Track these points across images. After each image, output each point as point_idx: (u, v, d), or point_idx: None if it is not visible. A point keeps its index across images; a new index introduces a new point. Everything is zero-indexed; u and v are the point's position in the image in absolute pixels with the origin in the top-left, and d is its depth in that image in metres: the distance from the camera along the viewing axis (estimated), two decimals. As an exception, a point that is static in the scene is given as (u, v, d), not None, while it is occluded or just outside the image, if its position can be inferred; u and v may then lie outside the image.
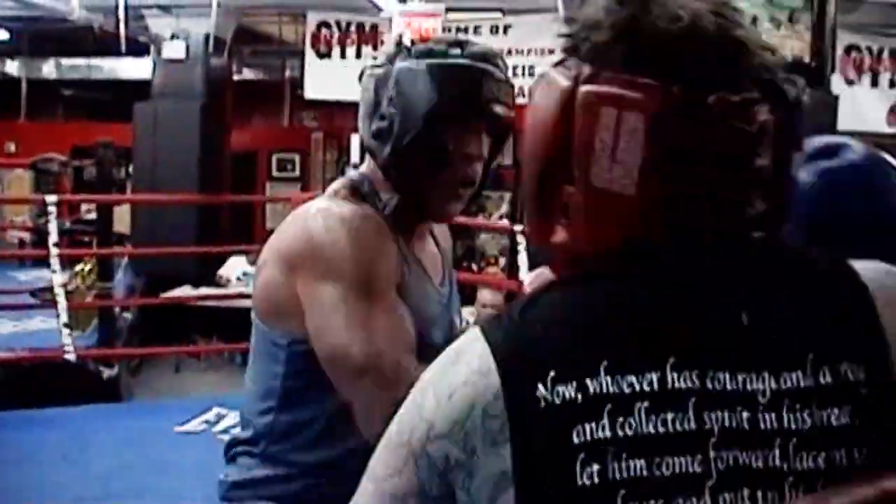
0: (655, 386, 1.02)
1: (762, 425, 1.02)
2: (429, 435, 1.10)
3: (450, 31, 10.69)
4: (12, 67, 15.89)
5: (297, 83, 12.73)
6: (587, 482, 0.99)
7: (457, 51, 2.03)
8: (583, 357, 1.05)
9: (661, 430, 1.01)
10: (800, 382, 1.04)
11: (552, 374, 1.04)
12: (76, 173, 12.60)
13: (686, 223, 1.13)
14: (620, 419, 1.01)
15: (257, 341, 2.09)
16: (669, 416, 1.01)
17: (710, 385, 1.03)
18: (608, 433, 1.01)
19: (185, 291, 10.35)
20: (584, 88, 1.16)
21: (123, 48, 11.25)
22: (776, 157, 1.16)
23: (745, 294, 1.10)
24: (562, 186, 1.16)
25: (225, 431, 6.56)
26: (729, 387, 1.03)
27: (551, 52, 10.71)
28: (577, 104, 1.15)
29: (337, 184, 2.12)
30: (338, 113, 15.00)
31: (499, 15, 10.87)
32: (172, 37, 11.18)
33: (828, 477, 1.00)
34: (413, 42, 2.08)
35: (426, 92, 1.93)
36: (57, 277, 7.22)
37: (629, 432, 1.01)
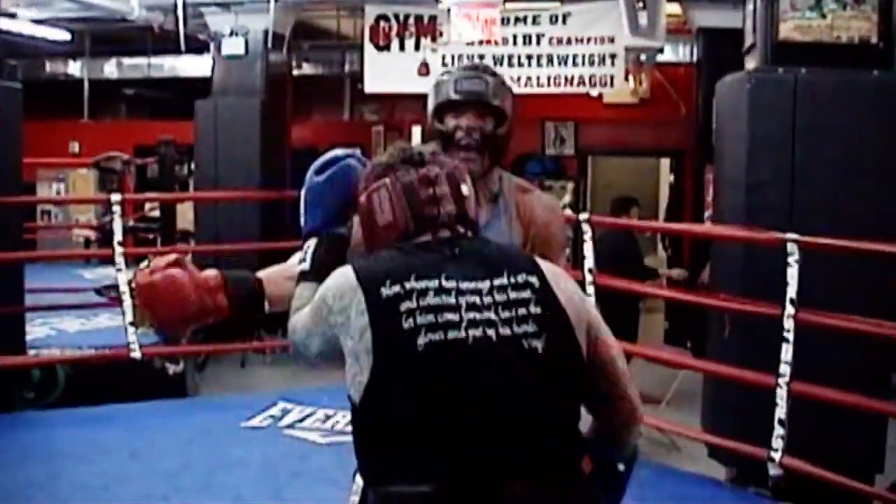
0: (436, 285, 2.14)
1: (485, 300, 2.15)
2: (330, 310, 2.21)
3: (508, 21, 10.65)
4: (74, 68, 16.01)
5: (357, 77, 12.73)
6: (405, 326, 2.08)
7: (457, 70, 3.05)
8: (401, 274, 2.14)
9: (440, 302, 2.12)
10: (502, 281, 2.19)
11: (387, 281, 2.13)
12: (139, 172, 12.68)
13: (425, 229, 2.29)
14: (421, 299, 2.11)
15: None
16: (443, 297, 2.13)
17: (461, 285, 2.15)
18: (415, 304, 2.10)
19: (248, 287, 10.35)
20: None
21: (183, 46, 11.31)
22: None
23: (469, 244, 2.29)
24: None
25: (291, 426, 6.58)
26: (470, 285, 2.16)
27: (611, 40, 10.64)
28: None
29: None
30: (398, 105, 14.99)
31: (557, 4, 10.80)
32: (231, 33, 11.21)
33: (517, 322, 2.15)
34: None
35: (433, 98, 2.98)
36: (122, 275, 7.26)
37: (425, 304, 2.11)
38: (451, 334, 2.09)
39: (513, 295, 2.18)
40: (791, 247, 5.09)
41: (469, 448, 2.06)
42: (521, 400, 2.10)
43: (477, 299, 2.15)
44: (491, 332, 2.12)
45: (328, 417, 6.72)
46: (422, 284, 2.12)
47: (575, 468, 2.19)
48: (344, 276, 2.21)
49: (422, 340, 2.07)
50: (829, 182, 5.67)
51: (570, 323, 2.20)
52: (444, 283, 2.14)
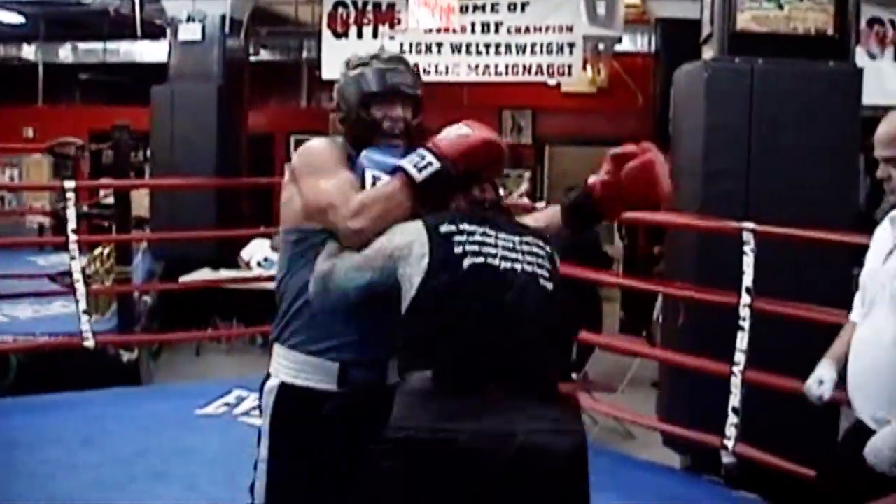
0: (482, 230, 2.69)
1: (515, 247, 2.70)
2: (395, 245, 2.70)
3: (467, 9, 10.64)
4: (29, 52, 15.81)
5: (315, 64, 12.67)
6: (456, 251, 2.62)
7: (375, 61, 3.08)
8: (455, 220, 2.70)
9: (483, 240, 2.66)
10: (526, 239, 2.76)
11: (445, 223, 2.68)
12: (94, 158, 12.56)
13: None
14: (470, 237, 2.66)
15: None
16: (486, 238, 2.68)
17: (498, 234, 2.70)
18: (465, 239, 2.65)
19: (204, 275, 10.33)
20: None
21: (139, 31, 11.22)
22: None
23: (501, 216, 2.85)
24: None
25: (246, 413, 6.53)
26: (504, 236, 2.71)
27: (570, 29, 10.65)
28: None
29: None
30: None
31: (516, -8, 10.81)
32: (188, 19, 11.15)
33: (537, 266, 2.71)
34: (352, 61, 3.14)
35: (356, 88, 3.04)
36: (76, 263, 7.19)
37: (472, 240, 2.65)
38: (489, 261, 2.64)
39: (534, 250, 2.75)
40: (747, 235, 5.11)
41: (478, 348, 2.58)
42: (531, 318, 2.64)
43: (510, 245, 2.70)
44: (518, 266, 2.67)
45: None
46: (471, 227, 2.68)
47: (555, 386, 2.61)
48: (409, 223, 2.75)
49: (467, 262, 2.62)
50: (786, 172, 5.70)
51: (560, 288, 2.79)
52: (487, 230, 2.70)
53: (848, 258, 5.46)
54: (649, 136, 12.10)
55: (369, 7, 11.18)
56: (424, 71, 10.91)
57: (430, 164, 2.80)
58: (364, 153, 2.92)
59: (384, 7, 11.13)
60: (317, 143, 3.01)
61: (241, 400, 6.82)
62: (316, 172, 2.90)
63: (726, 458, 5.33)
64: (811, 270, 5.55)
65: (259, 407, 3.05)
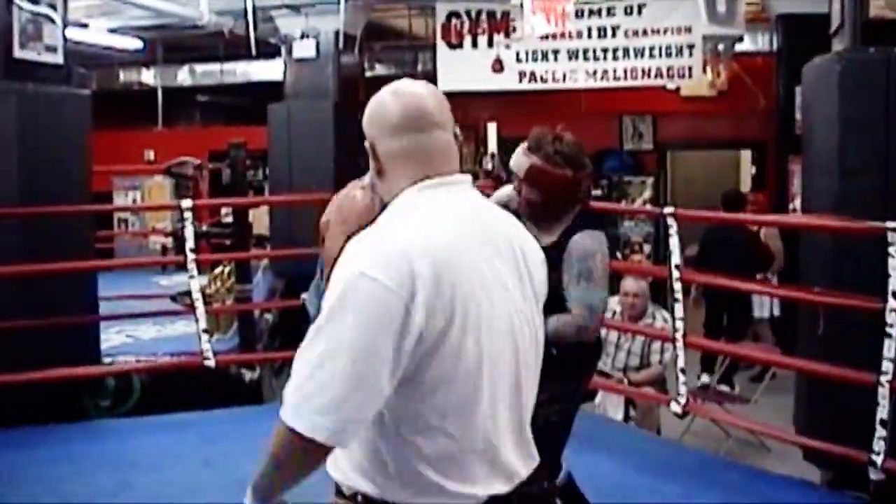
0: None
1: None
2: None
3: (582, 13, 10.46)
4: (148, 76, 16.03)
5: (431, 76, 12.55)
6: None
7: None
8: None
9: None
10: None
11: None
12: (213, 177, 12.62)
13: None
14: None
15: None
16: None
17: None
18: None
19: (325, 291, 10.26)
20: None
21: (254, 50, 11.23)
22: None
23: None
24: None
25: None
26: None
27: (688, 30, 10.39)
28: None
29: None
30: (472, 104, 14.77)
31: (632, -5, 10.60)
32: (302, 36, 11.15)
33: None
34: None
35: None
36: (194, 282, 7.15)
37: None
38: None
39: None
40: (892, 236, 4.81)
41: None
42: None
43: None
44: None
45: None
46: None
47: None
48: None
49: None
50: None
51: None
52: None
53: None
54: (772, 137, 11.85)
55: (483, 16, 11.03)
56: (541, 79, 10.76)
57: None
58: None
59: (498, 15, 10.98)
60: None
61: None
62: None
63: (874, 475, 5.02)
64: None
65: None
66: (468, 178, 2.39)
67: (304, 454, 2.11)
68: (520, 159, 4.12)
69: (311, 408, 2.05)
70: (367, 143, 2.35)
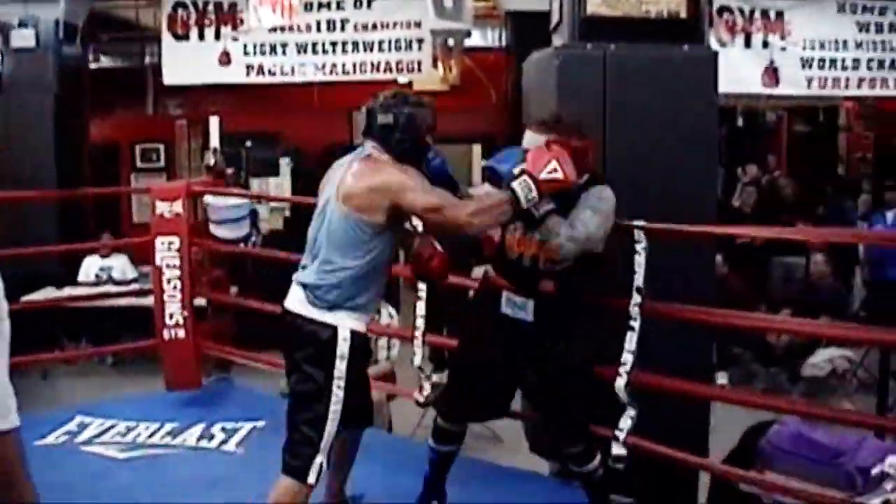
0: None
1: None
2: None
3: (311, 6, 10.37)
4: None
5: (158, 69, 12.25)
6: None
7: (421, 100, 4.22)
8: None
9: None
10: None
11: None
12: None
13: None
14: None
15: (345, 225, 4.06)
16: None
17: None
18: None
19: (48, 293, 9.90)
20: None
21: (-31, 39, 10.70)
22: None
23: None
24: None
25: (88, 442, 6.10)
26: None
27: (417, 24, 10.45)
28: None
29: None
30: (203, 98, 14.47)
31: (362, -13, 10.58)
32: (20, 24, 10.64)
33: None
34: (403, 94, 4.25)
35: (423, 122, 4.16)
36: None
37: None
38: None
39: None
40: (638, 234, 4.89)
41: None
42: None
43: None
44: None
45: (129, 430, 6.22)
46: None
47: None
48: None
49: None
50: (643, 160, 5.49)
51: None
52: None
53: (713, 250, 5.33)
54: (504, 132, 12.04)
55: (210, 7, 10.80)
56: (269, 72, 10.62)
57: (533, 198, 4.02)
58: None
59: (226, 7, 10.77)
60: (401, 170, 4.04)
61: (83, 427, 6.34)
62: (419, 187, 3.99)
63: (616, 449, 5.11)
64: (680, 265, 5.34)
65: (315, 354, 4.07)
66: None
67: None
68: (534, 138, 4.43)
69: None
70: None
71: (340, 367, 4.05)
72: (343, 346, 4.06)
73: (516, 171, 4.07)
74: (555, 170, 4.03)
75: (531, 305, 4.49)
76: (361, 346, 4.19)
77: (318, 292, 4.08)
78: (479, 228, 4.07)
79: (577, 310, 4.47)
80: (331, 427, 4.06)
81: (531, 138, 4.44)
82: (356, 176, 4.07)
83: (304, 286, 4.13)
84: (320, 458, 4.07)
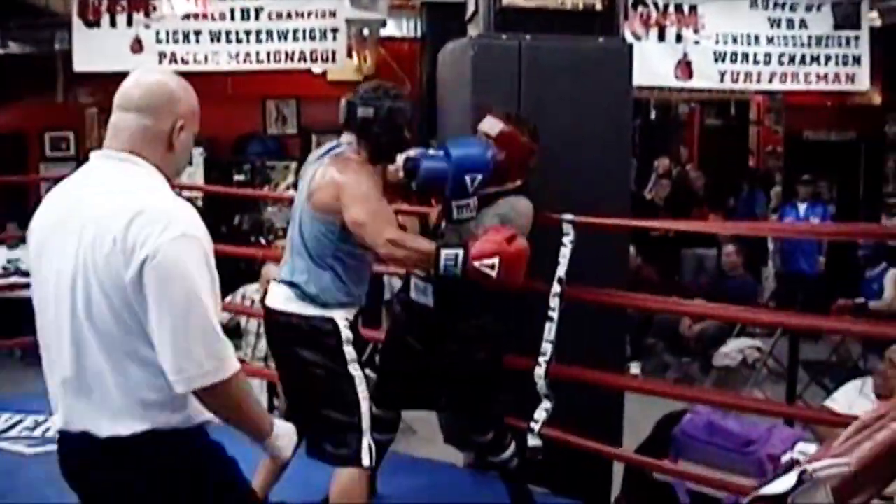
0: None
1: None
2: None
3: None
4: None
5: (68, 55, 12.03)
6: None
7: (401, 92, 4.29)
8: None
9: None
10: None
11: None
12: None
13: None
14: None
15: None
16: None
17: None
18: None
19: (-47, 284, 9.75)
20: None
21: None
22: None
23: None
24: None
25: (-2, 438, 6.00)
26: None
27: (332, 14, 10.46)
28: None
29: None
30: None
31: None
32: (-77, 9, 10.41)
33: None
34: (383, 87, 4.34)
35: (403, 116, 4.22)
36: None
37: None
38: None
39: None
40: (567, 227, 4.94)
41: None
42: None
43: None
44: None
45: (38, 424, 6.14)
46: None
47: None
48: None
49: None
50: (558, 151, 5.49)
51: None
52: None
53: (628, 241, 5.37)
54: (417, 123, 12.00)
55: (123, -7, 10.63)
56: (182, 60, 10.46)
57: (453, 274, 4.01)
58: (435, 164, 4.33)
59: (138, -7, 10.61)
60: (366, 177, 4.10)
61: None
62: (360, 197, 3.99)
63: (532, 441, 5.16)
64: (596, 256, 5.36)
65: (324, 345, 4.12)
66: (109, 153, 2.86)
67: None
68: (493, 122, 4.61)
69: None
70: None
71: (349, 350, 4.11)
72: (346, 332, 4.12)
73: (459, 253, 4.04)
74: (492, 267, 3.98)
75: (431, 290, 4.56)
76: (357, 333, 4.26)
77: (307, 289, 4.09)
78: (390, 257, 4.12)
79: (477, 295, 4.41)
80: (365, 406, 4.11)
81: (490, 123, 4.61)
82: (323, 177, 4.10)
83: (291, 284, 4.13)
84: (367, 439, 4.10)
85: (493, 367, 4.70)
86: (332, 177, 4.06)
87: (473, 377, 4.62)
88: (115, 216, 2.63)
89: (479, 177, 4.27)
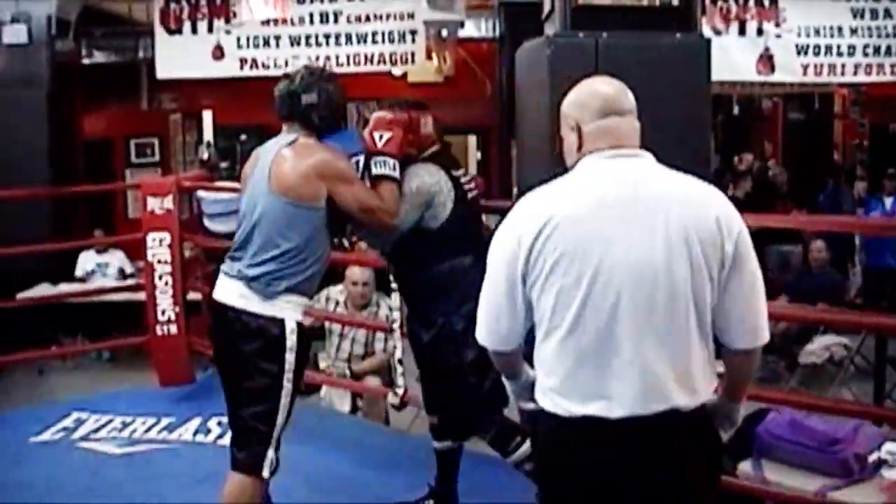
0: (456, 176, 4.52)
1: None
2: (433, 185, 4.36)
3: (304, -1, 10.37)
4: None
5: (151, 63, 12.22)
6: (463, 184, 4.46)
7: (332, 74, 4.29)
8: (448, 167, 4.51)
9: (463, 181, 4.48)
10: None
11: (451, 170, 4.46)
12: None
13: None
14: (459, 178, 4.45)
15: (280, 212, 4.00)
16: (462, 179, 4.50)
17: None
18: (459, 179, 4.47)
19: (43, 290, 9.89)
20: None
21: (-39, 35, 10.66)
22: None
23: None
24: None
25: (85, 438, 6.10)
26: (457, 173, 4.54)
27: (410, 15, 10.61)
28: None
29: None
30: (197, 92, 14.43)
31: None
32: (12, 20, 10.61)
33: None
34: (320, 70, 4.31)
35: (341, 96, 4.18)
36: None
37: (459, 180, 4.46)
38: (470, 193, 4.43)
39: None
40: None
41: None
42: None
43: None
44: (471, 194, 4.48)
45: (125, 425, 6.23)
46: (457, 173, 4.43)
47: None
48: (428, 166, 4.37)
49: (466, 189, 4.42)
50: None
51: None
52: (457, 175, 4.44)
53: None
54: (498, 123, 12.02)
55: (203, 1, 10.76)
56: (263, 65, 10.59)
57: (395, 165, 4.20)
58: (336, 143, 4.14)
59: (218, 0, 10.73)
60: (333, 154, 4.07)
61: (80, 423, 6.34)
62: (355, 180, 4.09)
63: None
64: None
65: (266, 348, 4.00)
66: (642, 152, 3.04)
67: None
68: (374, 115, 4.53)
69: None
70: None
71: (290, 359, 4.02)
72: (291, 339, 4.02)
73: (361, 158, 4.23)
74: (381, 137, 4.24)
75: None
76: (305, 338, 4.15)
77: (258, 283, 4.01)
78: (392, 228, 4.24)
79: (437, 286, 4.43)
80: (281, 419, 4.03)
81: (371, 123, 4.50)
82: (290, 164, 4.01)
83: (241, 278, 4.05)
84: (272, 452, 4.01)
85: (483, 366, 4.43)
86: (304, 164, 3.99)
87: (464, 377, 4.52)
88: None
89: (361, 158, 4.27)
